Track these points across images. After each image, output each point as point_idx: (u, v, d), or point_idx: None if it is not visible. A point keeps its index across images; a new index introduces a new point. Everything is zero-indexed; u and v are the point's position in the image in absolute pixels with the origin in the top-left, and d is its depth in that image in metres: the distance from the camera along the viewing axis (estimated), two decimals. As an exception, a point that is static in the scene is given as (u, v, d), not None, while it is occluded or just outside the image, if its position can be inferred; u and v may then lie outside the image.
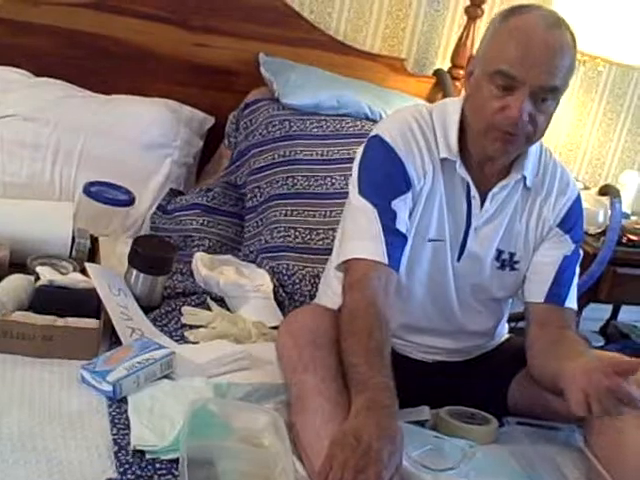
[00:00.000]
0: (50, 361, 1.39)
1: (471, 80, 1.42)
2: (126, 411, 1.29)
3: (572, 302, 1.52)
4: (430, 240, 1.47)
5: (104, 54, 2.17)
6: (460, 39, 2.41)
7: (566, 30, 1.36)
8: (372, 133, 1.49)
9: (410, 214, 1.44)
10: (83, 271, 1.60)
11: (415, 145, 1.44)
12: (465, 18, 2.41)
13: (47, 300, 1.47)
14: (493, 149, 1.40)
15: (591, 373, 1.25)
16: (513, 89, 1.33)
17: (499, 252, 1.51)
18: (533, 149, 1.47)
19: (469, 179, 1.46)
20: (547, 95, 1.35)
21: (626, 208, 2.42)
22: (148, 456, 1.21)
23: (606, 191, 2.32)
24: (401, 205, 1.42)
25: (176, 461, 1.19)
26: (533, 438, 1.44)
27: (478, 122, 1.40)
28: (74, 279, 1.54)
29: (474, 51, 2.39)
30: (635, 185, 2.53)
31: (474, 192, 1.46)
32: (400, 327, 1.50)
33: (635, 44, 2.22)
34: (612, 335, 2.70)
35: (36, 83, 2.07)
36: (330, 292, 1.55)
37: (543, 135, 1.42)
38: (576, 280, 1.54)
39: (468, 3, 2.40)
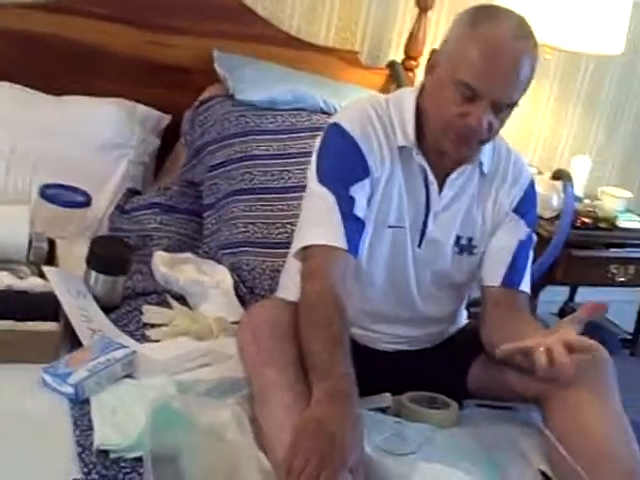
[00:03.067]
0: (10, 366, 1.38)
1: (434, 75, 1.43)
2: (89, 412, 1.29)
3: (526, 286, 1.55)
4: (390, 227, 1.49)
5: (57, 55, 2.14)
6: (412, 31, 2.44)
7: (531, 38, 1.39)
8: (330, 121, 1.51)
9: (369, 201, 1.46)
10: (41, 275, 1.59)
11: (373, 133, 1.46)
12: (417, 10, 2.44)
13: (5, 305, 1.46)
14: (447, 147, 1.43)
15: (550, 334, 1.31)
16: (475, 99, 1.36)
17: (458, 237, 1.53)
18: None
19: (426, 166, 1.48)
20: (506, 107, 1.39)
21: (578, 192, 2.47)
22: (112, 455, 1.21)
23: (559, 175, 2.37)
24: (359, 191, 1.43)
25: (140, 459, 1.19)
26: (492, 420, 1.48)
27: (437, 120, 1.42)
28: (32, 283, 1.53)
29: (426, 41, 2.43)
30: (586, 169, 2.59)
31: (432, 178, 1.49)
32: (361, 314, 1.52)
33: (580, 31, 2.26)
34: (570, 317, 2.75)
35: (-13, 87, 2.05)
36: (292, 285, 1.55)
37: (496, 135, 1.46)
38: (530, 264, 1.58)
39: (419, -6, 2.42)
